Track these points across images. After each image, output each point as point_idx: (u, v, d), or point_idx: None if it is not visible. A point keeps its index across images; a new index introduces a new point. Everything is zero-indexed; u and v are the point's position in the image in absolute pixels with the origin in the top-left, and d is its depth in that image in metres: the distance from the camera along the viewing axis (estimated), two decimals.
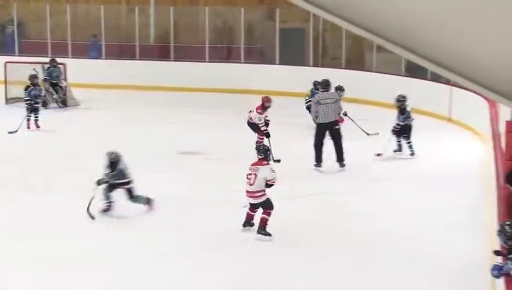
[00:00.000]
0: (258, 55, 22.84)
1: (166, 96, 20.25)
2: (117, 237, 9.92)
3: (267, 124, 13.95)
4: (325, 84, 13.73)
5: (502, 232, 6.85)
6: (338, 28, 20.97)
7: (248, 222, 10.02)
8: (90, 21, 23.38)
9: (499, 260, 6.88)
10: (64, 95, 19.13)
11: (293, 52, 21.97)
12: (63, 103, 19.07)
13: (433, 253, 9.48)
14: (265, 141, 13.27)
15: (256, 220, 9.92)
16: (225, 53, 23.09)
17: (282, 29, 21.99)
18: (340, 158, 13.20)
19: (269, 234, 9.73)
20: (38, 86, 16.99)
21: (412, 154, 14.11)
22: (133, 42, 22.93)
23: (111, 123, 16.84)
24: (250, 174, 9.80)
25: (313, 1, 2.87)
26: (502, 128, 10.70)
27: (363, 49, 21.60)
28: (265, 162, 10.00)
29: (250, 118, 14.01)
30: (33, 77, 16.75)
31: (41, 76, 18.83)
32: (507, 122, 10.22)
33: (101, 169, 10.59)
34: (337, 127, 13.25)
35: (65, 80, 19.21)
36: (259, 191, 9.78)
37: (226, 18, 22.92)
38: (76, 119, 17.59)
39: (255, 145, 11.02)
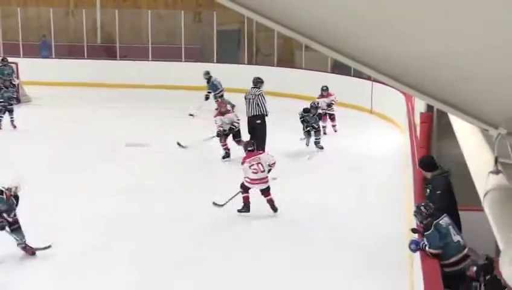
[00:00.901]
0: (197, 54, 22.74)
1: (112, 93, 20.01)
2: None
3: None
4: (253, 82, 13.63)
5: (417, 212, 6.98)
6: (270, 29, 21.09)
7: (247, 206, 10.18)
8: (40, 23, 22.93)
9: (415, 237, 7.02)
10: (17, 92, 18.70)
11: (229, 52, 21.98)
12: (16, 100, 18.64)
13: (359, 230, 9.65)
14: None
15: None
16: (167, 52, 22.90)
17: (219, 31, 21.98)
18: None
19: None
20: (12, 87, 16.22)
21: (321, 148, 13.83)
22: (81, 43, 22.59)
23: (61, 118, 16.56)
24: (253, 164, 10.13)
25: (245, 4, 2.87)
26: (417, 119, 10.91)
27: (293, 48, 21.71)
28: (261, 151, 10.74)
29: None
30: (5, 80, 15.95)
31: None
32: (421, 113, 10.44)
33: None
34: (258, 121, 13.18)
35: (17, 78, 18.79)
36: (266, 177, 10.21)
37: (167, 20, 22.74)
38: (27, 115, 17.21)
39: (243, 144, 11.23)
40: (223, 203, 10.27)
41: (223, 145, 13.00)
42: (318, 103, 14.51)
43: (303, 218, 10.16)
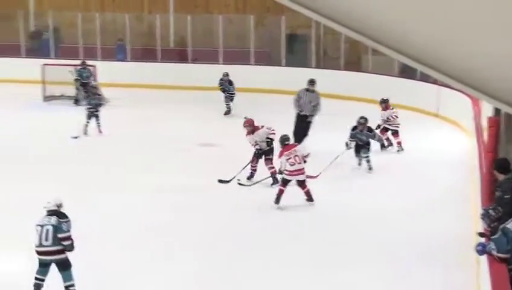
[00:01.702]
0: (266, 58, 22.79)
1: (184, 95, 20.21)
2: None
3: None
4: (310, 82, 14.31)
5: (485, 216, 6.80)
6: (337, 33, 20.97)
7: (279, 198, 10.34)
8: (117, 27, 23.37)
9: (482, 241, 6.84)
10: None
11: (297, 55, 21.95)
12: (99, 105, 19.02)
13: (424, 231, 9.48)
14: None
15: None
16: (237, 56, 22.99)
17: (288, 35, 21.97)
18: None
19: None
20: (99, 94, 16.30)
21: (370, 169, 12.53)
22: (155, 46, 22.93)
23: (136, 119, 16.82)
24: (291, 157, 10.31)
25: (315, 9, 2.83)
26: (484, 123, 10.64)
27: (360, 52, 21.50)
28: (295, 145, 10.90)
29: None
30: (94, 87, 16.01)
31: (73, 76, 18.93)
32: (489, 118, 10.16)
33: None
34: (308, 120, 13.85)
35: (95, 80, 19.20)
36: (303, 168, 10.43)
37: (237, 25, 22.86)
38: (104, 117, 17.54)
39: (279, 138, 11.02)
40: (250, 184, 10.95)
41: (252, 166, 11.77)
42: (365, 119, 12.78)
43: (369, 218, 10.05)
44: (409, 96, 17.78)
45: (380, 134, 13.51)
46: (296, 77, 20.22)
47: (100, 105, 15.71)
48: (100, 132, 15.45)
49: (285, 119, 13.66)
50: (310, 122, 13.84)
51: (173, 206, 10.42)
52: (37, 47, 23.75)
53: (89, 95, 16.11)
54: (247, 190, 11.18)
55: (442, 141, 14.98)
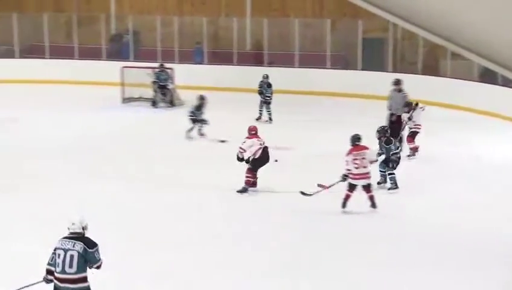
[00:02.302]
0: (342, 62, 22.64)
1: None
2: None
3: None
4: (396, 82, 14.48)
5: None
6: (415, 37, 20.64)
7: (345, 203, 10.18)
8: (194, 30, 23.65)
9: None
10: (171, 96, 19.40)
11: (374, 59, 21.71)
12: (170, 103, 19.35)
13: (498, 238, 9.25)
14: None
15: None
16: (312, 60, 22.91)
17: (364, 39, 21.75)
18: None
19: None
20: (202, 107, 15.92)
21: (394, 187, 11.26)
22: (231, 49, 23.09)
23: (211, 121, 16.91)
24: (357, 159, 10.05)
25: (391, 11, 2.76)
26: None
27: (438, 56, 21.10)
28: (367, 147, 10.37)
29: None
30: (201, 98, 15.71)
31: (151, 79, 19.25)
32: None
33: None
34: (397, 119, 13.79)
35: (172, 82, 19.47)
36: (369, 173, 10.18)
37: (313, 28, 22.78)
38: (179, 118, 17.76)
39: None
40: (311, 193, 10.43)
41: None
42: (383, 128, 11.87)
43: (440, 223, 9.85)
44: (489, 101, 17.33)
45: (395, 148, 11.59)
46: (372, 81, 20.11)
47: (205, 122, 15.37)
48: (201, 135, 15.31)
49: (360, 122, 13.52)
50: (400, 121, 13.82)
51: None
52: (117, 50, 24.29)
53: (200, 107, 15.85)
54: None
55: None
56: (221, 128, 15.24)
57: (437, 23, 2.74)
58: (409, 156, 13.24)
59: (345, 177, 10.20)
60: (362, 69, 21.49)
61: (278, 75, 21.54)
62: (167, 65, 19.84)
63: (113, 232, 9.10)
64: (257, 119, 17.12)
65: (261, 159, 11.23)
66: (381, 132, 11.52)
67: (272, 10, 23.62)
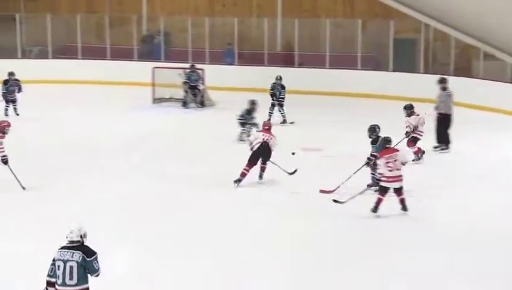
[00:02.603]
0: (373, 63, 22.54)
1: (290, 98, 20.22)
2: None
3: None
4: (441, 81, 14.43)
5: None
6: (447, 38, 20.47)
7: (377, 207, 10.00)
8: (225, 31, 23.73)
9: None
10: (202, 96, 19.48)
11: (405, 60, 21.57)
12: (201, 104, 19.43)
13: None
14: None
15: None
16: (343, 60, 22.84)
17: (396, 40, 21.62)
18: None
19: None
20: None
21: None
22: (262, 50, 23.12)
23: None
24: (390, 161, 9.94)
25: (423, 11, 2.76)
26: None
27: (471, 57, 20.90)
28: (397, 149, 10.31)
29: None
30: (253, 103, 15.36)
31: (182, 79, 19.36)
32: None
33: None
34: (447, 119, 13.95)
35: (203, 83, 19.55)
36: (401, 175, 10.04)
37: (344, 29, 22.72)
38: (211, 118, 17.83)
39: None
40: (344, 200, 10.29)
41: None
42: (373, 127, 11.29)
43: (471, 225, 9.75)
44: None
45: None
46: (403, 82, 20.00)
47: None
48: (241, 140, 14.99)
49: (390, 124, 13.42)
50: (448, 120, 14.02)
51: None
52: (148, 51, 24.47)
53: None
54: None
55: None
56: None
57: (470, 24, 2.73)
58: (414, 160, 12.88)
59: (377, 181, 10.19)
60: (393, 70, 21.37)
61: (308, 76, 21.60)
62: (198, 66, 19.93)
63: (151, 233, 9.27)
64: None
65: (256, 153, 11.52)
66: (370, 130, 11.18)
67: (303, 11, 23.60)
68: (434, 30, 20.81)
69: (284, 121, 17.17)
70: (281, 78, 17.40)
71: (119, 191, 11.31)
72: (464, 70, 20.73)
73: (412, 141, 13.23)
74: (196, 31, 23.61)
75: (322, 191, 10.90)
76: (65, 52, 24.72)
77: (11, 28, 24.53)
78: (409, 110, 13.34)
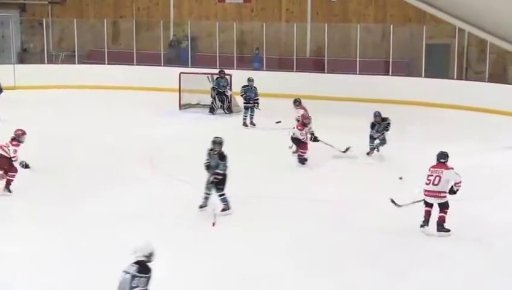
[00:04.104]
0: (405, 68, 22.36)
1: (319, 105, 20.16)
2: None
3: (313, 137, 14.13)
4: None
5: None
6: (482, 43, 20.22)
7: (426, 221, 9.90)
8: (254, 36, 23.71)
9: None
10: (229, 102, 19.46)
11: (438, 66, 21.37)
12: (228, 110, 19.42)
13: None
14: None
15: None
16: (374, 66, 22.68)
17: (429, 45, 21.41)
18: None
19: (448, 230, 9.75)
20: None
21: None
22: (291, 56, 23.05)
23: (269, 128, 16.87)
24: (432, 175, 9.80)
25: (458, 16, 2.68)
26: None
27: (507, 63, 20.62)
28: (450, 167, 9.91)
29: (294, 134, 13.86)
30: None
31: (210, 84, 19.39)
32: None
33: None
34: None
35: (230, 89, 19.53)
36: (443, 192, 9.75)
37: (375, 34, 22.57)
38: (237, 124, 17.79)
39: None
40: (401, 204, 10.18)
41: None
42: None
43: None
44: None
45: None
46: (436, 89, 19.80)
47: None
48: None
49: (426, 131, 13.35)
50: None
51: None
52: (175, 56, 24.54)
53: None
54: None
55: None
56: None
57: (506, 29, 2.64)
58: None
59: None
60: (426, 76, 21.16)
61: (339, 82, 21.47)
62: (226, 71, 19.90)
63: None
64: (245, 125, 17.58)
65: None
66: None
67: (333, 15, 23.50)
68: (469, 35, 20.57)
69: (252, 124, 17.69)
70: (253, 80, 17.94)
71: (140, 195, 11.49)
72: (500, 76, 20.49)
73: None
74: (224, 36, 23.63)
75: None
76: (91, 57, 24.92)
77: (39, 33, 24.80)
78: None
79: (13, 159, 11.16)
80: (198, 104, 20.01)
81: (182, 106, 20.01)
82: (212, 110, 19.36)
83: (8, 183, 11.29)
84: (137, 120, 17.98)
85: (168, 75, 21.26)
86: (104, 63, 24.09)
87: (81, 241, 9.32)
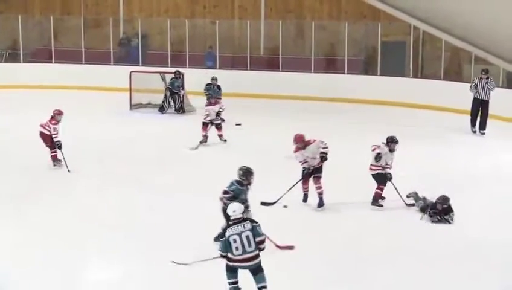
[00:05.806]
0: (360, 66, 22.55)
1: (273, 104, 20.23)
2: None
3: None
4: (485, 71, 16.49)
5: None
6: (437, 41, 20.50)
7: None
8: (206, 34, 23.65)
9: None
10: (182, 102, 19.36)
11: (393, 64, 21.60)
12: (181, 109, 19.32)
13: None
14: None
15: None
16: (329, 64, 22.81)
17: (384, 42, 21.63)
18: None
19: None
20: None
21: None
22: (244, 54, 23.05)
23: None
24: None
25: (413, 14, 2.69)
26: None
27: (461, 61, 20.96)
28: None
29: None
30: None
31: (162, 84, 19.26)
32: None
33: None
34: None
35: (183, 88, 19.44)
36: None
37: (330, 32, 22.70)
38: (189, 124, 17.70)
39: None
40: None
41: (304, 188, 11.15)
42: None
43: None
44: None
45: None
46: (392, 87, 20.01)
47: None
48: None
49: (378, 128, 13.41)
50: (485, 105, 16.25)
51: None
52: (125, 54, 24.32)
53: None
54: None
55: None
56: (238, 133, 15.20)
57: (461, 27, 2.67)
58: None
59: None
60: (381, 74, 21.35)
61: (292, 81, 21.55)
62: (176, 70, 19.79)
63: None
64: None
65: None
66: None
67: (287, 12, 23.56)
68: (423, 33, 20.82)
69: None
70: (216, 79, 18.08)
71: (93, 199, 11.37)
72: (455, 74, 20.80)
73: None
74: (175, 34, 23.51)
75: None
76: (37, 55, 24.53)
77: None
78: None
79: (54, 135, 12.83)
80: (149, 103, 19.87)
81: (133, 106, 19.84)
82: (162, 109, 19.25)
83: (54, 157, 12.98)
84: (87, 121, 17.74)
85: (118, 74, 21.04)
86: (51, 62, 23.77)
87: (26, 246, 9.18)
